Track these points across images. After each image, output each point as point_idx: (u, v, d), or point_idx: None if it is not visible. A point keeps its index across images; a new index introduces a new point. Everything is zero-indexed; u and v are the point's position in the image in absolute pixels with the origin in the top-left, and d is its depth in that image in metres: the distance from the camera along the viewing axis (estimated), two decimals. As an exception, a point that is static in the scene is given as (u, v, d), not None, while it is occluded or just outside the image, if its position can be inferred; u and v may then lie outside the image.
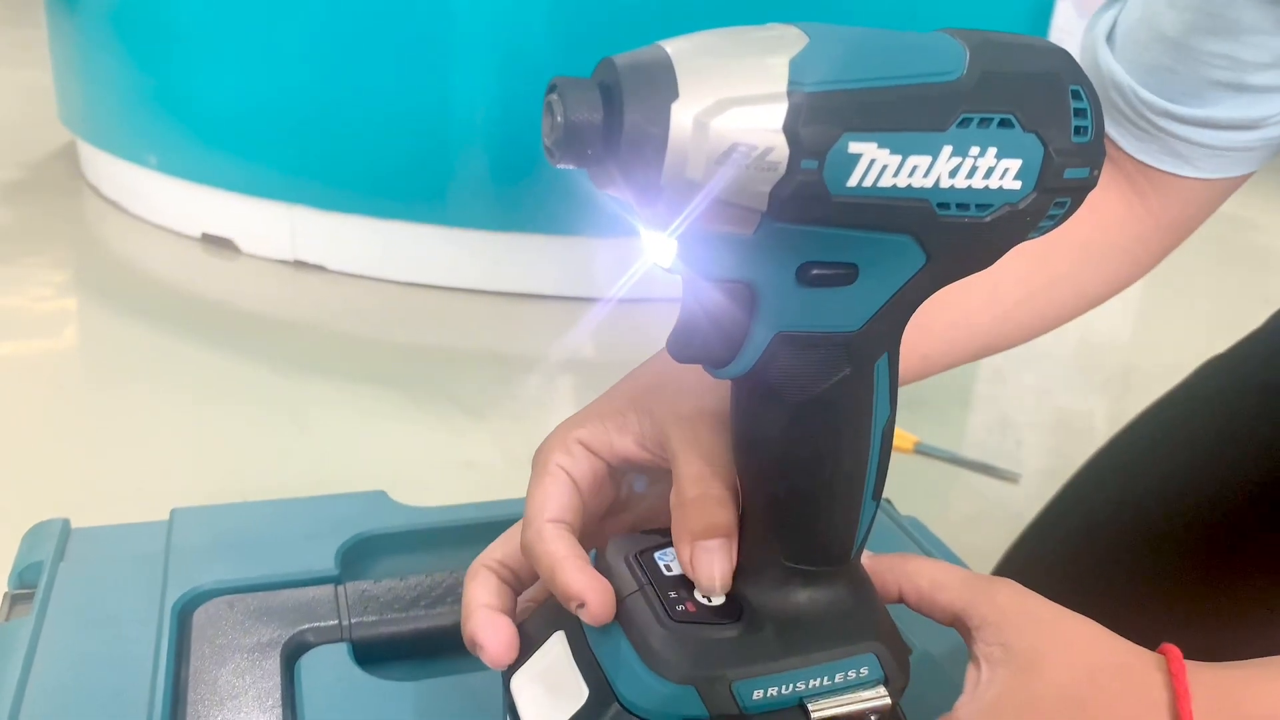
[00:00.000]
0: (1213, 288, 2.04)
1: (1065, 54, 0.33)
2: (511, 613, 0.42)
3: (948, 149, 0.30)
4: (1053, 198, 0.32)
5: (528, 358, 1.57)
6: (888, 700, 0.38)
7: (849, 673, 0.38)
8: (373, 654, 0.52)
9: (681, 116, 0.28)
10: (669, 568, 0.39)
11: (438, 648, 0.53)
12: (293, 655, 0.51)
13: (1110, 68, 0.56)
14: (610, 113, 0.28)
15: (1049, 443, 1.47)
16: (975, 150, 0.30)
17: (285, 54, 1.66)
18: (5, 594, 0.54)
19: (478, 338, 1.63)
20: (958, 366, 0.57)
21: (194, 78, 1.75)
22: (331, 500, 0.63)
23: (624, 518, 0.45)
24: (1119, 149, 0.57)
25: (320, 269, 1.76)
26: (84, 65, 1.95)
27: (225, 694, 0.48)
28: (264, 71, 1.68)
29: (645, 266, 0.34)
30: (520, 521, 0.42)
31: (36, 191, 2.11)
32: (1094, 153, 0.32)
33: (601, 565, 0.40)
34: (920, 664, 0.42)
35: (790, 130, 0.28)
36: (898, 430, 0.47)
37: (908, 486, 0.70)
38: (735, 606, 0.38)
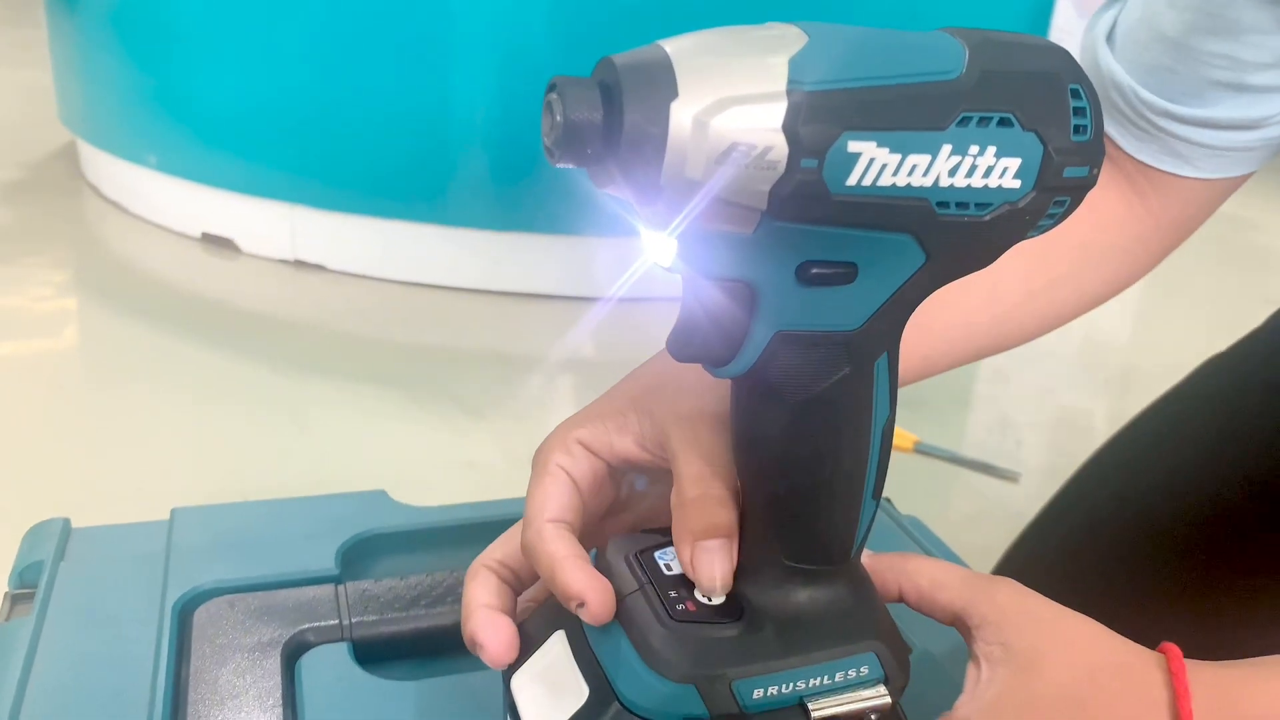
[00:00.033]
0: (1213, 288, 2.04)
1: (1065, 53, 0.33)
2: (512, 613, 0.42)
3: (947, 148, 0.30)
4: (1052, 196, 0.32)
5: (528, 357, 1.57)
6: (888, 699, 0.38)
7: (849, 672, 0.38)
8: (373, 653, 0.52)
9: (681, 116, 0.28)
10: (669, 567, 0.39)
11: (438, 647, 0.53)
12: (293, 655, 0.51)
13: (1110, 68, 0.56)
14: (610, 112, 0.28)
15: (1049, 442, 1.47)
16: (975, 149, 0.30)
17: (285, 54, 1.66)
18: (6, 594, 0.54)
19: (478, 337, 1.63)
20: (958, 367, 0.57)
21: (194, 78, 1.75)
22: (332, 500, 0.63)
23: (624, 518, 0.45)
24: (1119, 149, 0.57)
25: (320, 269, 1.76)
26: (84, 65, 1.95)
27: (226, 693, 0.48)
28: (264, 71, 1.68)
29: (645, 266, 0.34)
30: (520, 521, 0.42)
31: (36, 191, 2.11)
32: (1093, 152, 0.32)
33: (602, 565, 0.40)
34: (920, 663, 0.42)
35: (790, 129, 0.28)
36: (898, 430, 0.47)
37: (908, 486, 0.70)
38: (735, 606, 0.38)
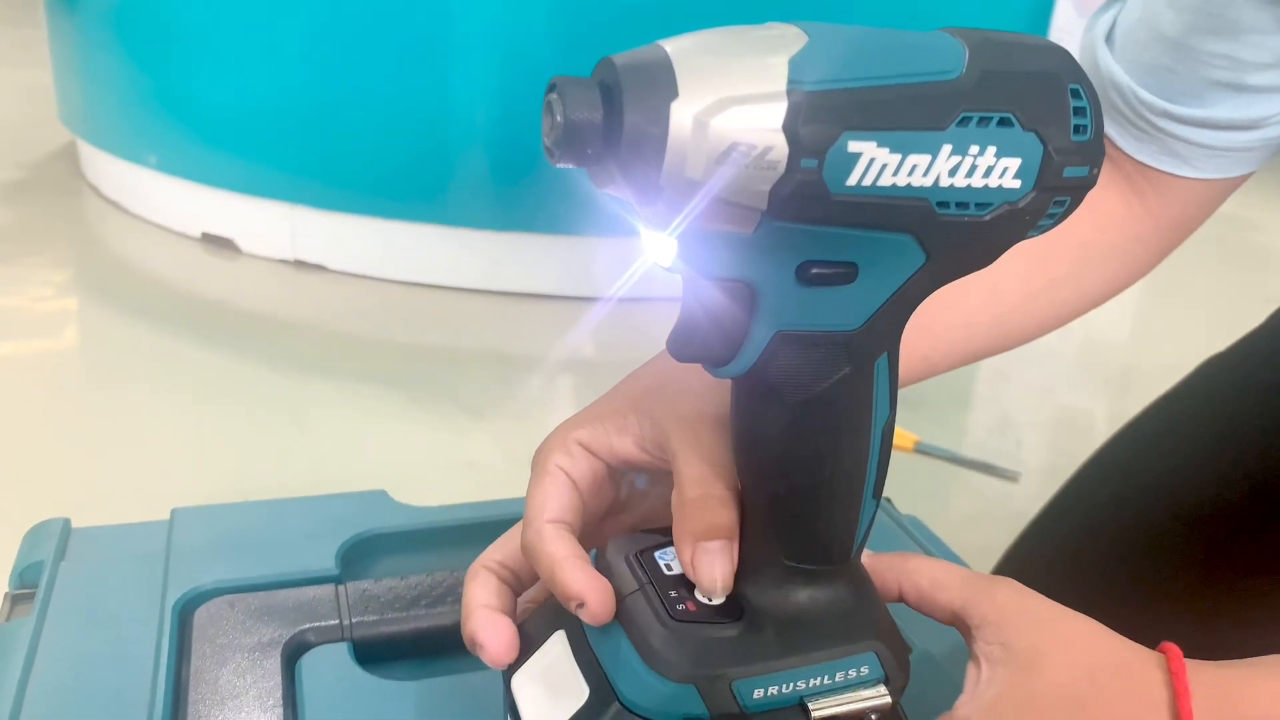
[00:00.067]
0: (1213, 288, 2.04)
1: (1065, 53, 0.33)
2: (511, 613, 0.42)
3: (947, 148, 0.30)
4: (1052, 196, 0.32)
5: (528, 357, 1.57)
6: (888, 699, 0.38)
7: (849, 672, 0.38)
8: (373, 653, 0.52)
9: (681, 116, 0.28)
10: (669, 567, 0.39)
11: (439, 647, 0.53)
12: (293, 655, 0.51)
13: (1109, 68, 0.56)
14: (610, 112, 0.28)
15: (1049, 442, 1.47)
16: (975, 149, 0.30)
17: (285, 54, 1.66)
18: (6, 594, 0.54)
19: (478, 337, 1.63)
20: (959, 367, 0.57)
21: (194, 78, 1.75)
22: (332, 500, 0.63)
23: (624, 518, 0.45)
24: (1118, 149, 0.57)
25: (321, 269, 1.76)
26: (84, 65, 1.95)
27: (226, 694, 0.48)
28: (264, 71, 1.68)
29: (645, 266, 0.34)
30: (520, 522, 0.42)
31: (36, 191, 2.11)
32: (1093, 151, 0.32)
33: (602, 565, 0.40)
34: (920, 663, 0.42)
35: (790, 129, 0.28)
36: (898, 429, 0.47)
37: (908, 485, 0.70)
38: (736, 606, 0.38)
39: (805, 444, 0.36)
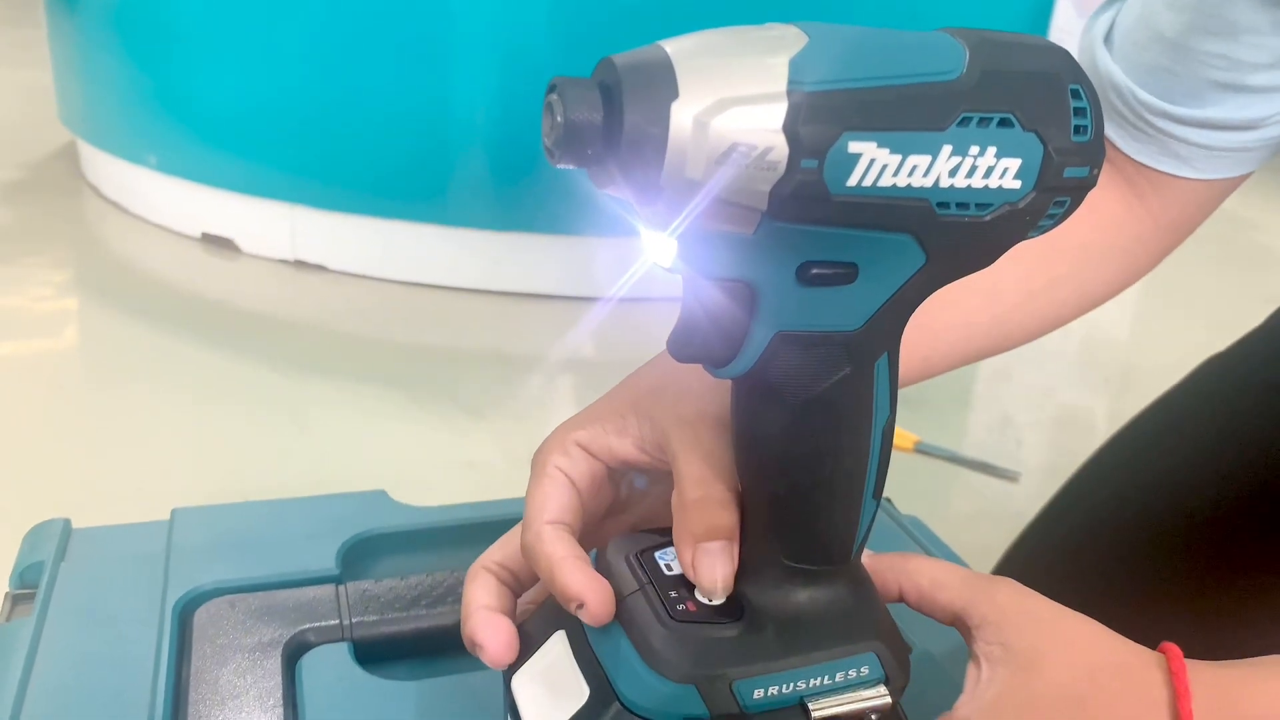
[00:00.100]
0: (1213, 288, 2.04)
1: (1065, 53, 0.33)
2: (511, 614, 0.42)
3: (947, 148, 0.30)
4: (1052, 197, 0.32)
5: (528, 357, 1.57)
6: (888, 699, 0.38)
7: (849, 672, 0.38)
8: (374, 654, 0.52)
9: (681, 116, 0.28)
10: (669, 567, 0.39)
11: (439, 647, 0.53)
12: (294, 655, 0.51)
13: (1108, 69, 0.56)
14: (610, 112, 0.28)
15: (1049, 441, 1.47)
16: (975, 149, 0.30)
17: (285, 54, 1.66)
18: (6, 594, 0.54)
19: (478, 337, 1.63)
20: (959, 368, 0.57)
21: (194, 78, 1.75)
22: (332, 500, 0.63)
23: (624, 519, 0.45)
24: (1117, 150, 0.57)
25: (321, 269, 1.76)
26: (84, 65, 1.95)
27: (226, 694, 0.48)
28: (264, 71, 1.68)
29: (645, 266, 0.34)
30: (520, 524, 0.42)
31: (36, 191, 2.11)
32: (1094, 152, 0.32)
33: (602, 565, 0.40)
34: (920, 663, 0.42)
35: (790, 130, 0.28)
36: (898, 430, 0.47)
37: (908, 485, 0.70)
38: (736, 606, 0.38)
39: (805, 444, 0.36)
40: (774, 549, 0.38)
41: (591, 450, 0.42)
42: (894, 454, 0.38)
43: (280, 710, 0.47)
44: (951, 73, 0.30)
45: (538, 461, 0.42)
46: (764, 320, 0.33)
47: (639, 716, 0.37)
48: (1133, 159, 0.57)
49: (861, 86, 0.29)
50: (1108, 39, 0.57)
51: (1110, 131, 0.57)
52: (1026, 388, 1.60)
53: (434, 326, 1.64)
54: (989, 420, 1.52)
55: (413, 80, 1.62)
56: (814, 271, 0.32)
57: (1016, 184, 0.31)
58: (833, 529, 0.38)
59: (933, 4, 1.62)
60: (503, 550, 0.43)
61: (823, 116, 0.28)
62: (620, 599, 0.38)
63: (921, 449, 1.32)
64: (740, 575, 0.38)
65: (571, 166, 0.29)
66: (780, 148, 0.28)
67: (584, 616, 0.37)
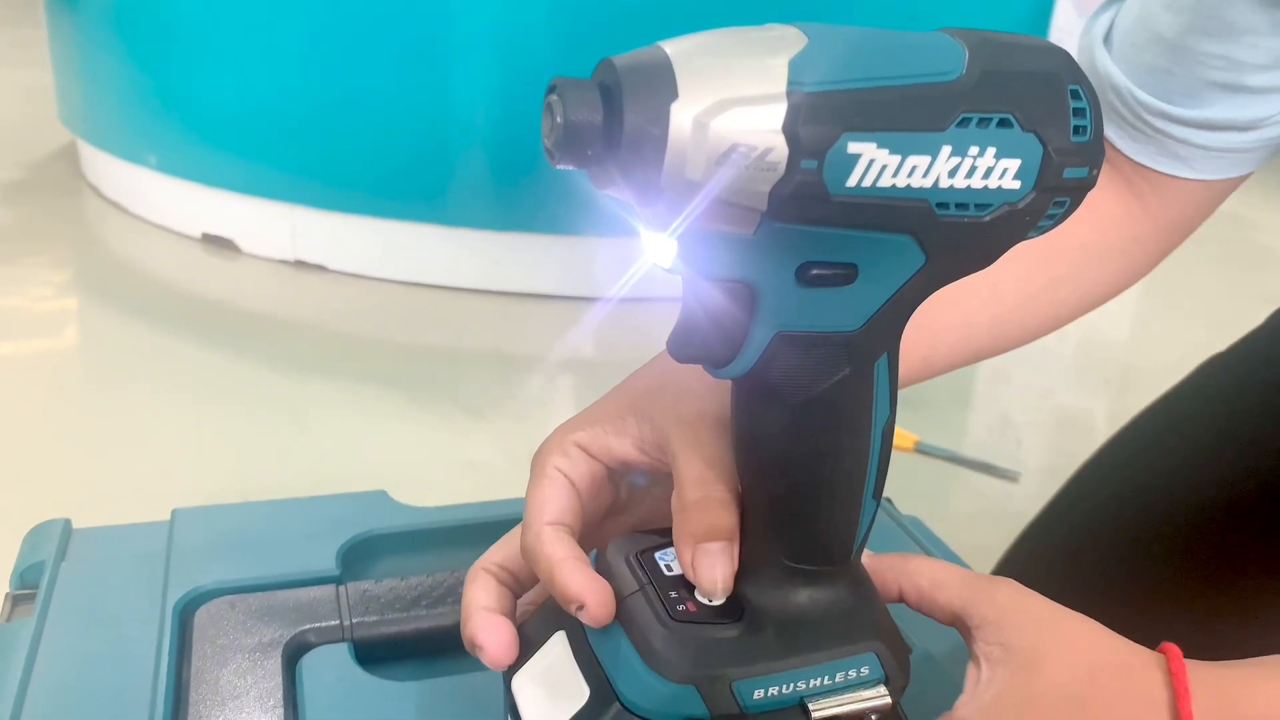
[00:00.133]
0: (1213, 288, 2.04)
1: (1064, 53, 0.33)
2: (511, 615, 0.42)
3: (947, 149, 0.30)
4: (1052, 197, 0.32)
5: (528, 357, 1.57)
6: (888, 700, 0.38)
7: (849, 672, 0.38)
8: (374, 654, 0.52)
9: (681, 117, 0.28)
10: (669, 567, 0.39)
11: (439, 648, 0.53)
12: (294, 655, 0.51)
13: (1107, 69, 0.56)
14: (610, 113, 0.28)
15: (1049, 441, 1.47)
16: (974, 150, 0.30)
17: (285, 54, 1.66)
18: (7, 594, 0.54)
19: (478, 337, 1.63)
20: (959, 368, 0.57)
21: (194, 78, 1.75)
22: (332, 500, 0.63)
23: (623, 519, 0.45)
24: (1116, 150, 0.57)
25: (321, 269, 1.76)
26: (84, 65, 1.95)
27: (227, 694, 0.48)
28: (264, 71, 1.68)
29: (645, 266, 0.34)
30: (520, 524, 0.42)
31: (36, 191, 2.11)
32: (1093, 152, 0.32)
33: (602, 565, 0.40)
34: (920, 663, 0.42)
35: (790, 130, 0.28)
36: (898, 430, 0.47)
37: (908, 486, 0.70)
38: (736, 606, 0.38)
39: (805, 444, 0.36)
40: (774, 549, 0.38)
41: (591, 451, 0.42)
42: (894, 454, 0.38)
43: (280, 710, 0.47)
44: (951, 73, 0.30)
45: (537, 462, 0.42)
46: (764, 321, 0.33)
47: (639, 717, 0.37)
48: (1132, 159, 0.57)
49: (861, 87, 0.29)
50: (1107, 39, 0.57)
51: (1109, 132, 0.57)
52: (1026, 388, 1.60)
53: (434, 326, 1.64)
54: (989, 420, 1.52)
55: (413, 80, 1.62)
56: (814, 272, 0.32)
57: (1016, 184, 0.31)
58: (833, 529, 0.38)
59: (933, 4, 1.62)
60: (502, 551, 0.43)
61: (822, 117, 0.28)
62: (620, 600, 0.38)
63: (921, 449, 1.32)
64: (740, 576, 0.38)
65: (571, 167, 0.29)
66: (780, 148, 0.28)
67: (584, 618, 0.37)
